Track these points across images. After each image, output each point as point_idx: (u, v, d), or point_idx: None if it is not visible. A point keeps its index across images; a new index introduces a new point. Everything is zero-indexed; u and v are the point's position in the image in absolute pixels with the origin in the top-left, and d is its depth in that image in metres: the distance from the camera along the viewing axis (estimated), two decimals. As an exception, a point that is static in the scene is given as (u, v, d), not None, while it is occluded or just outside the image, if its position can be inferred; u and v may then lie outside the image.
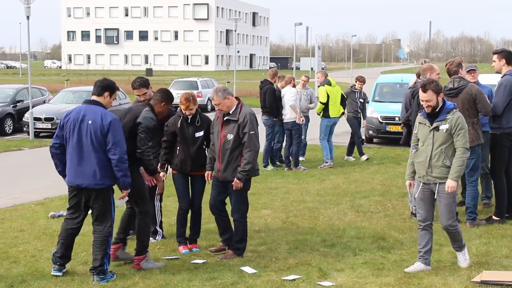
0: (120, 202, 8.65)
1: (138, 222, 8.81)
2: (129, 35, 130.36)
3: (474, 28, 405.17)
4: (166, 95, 9.25)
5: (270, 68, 18.86)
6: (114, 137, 8.11)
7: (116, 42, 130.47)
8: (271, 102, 16.99)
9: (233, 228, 9.36)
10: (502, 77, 10.91)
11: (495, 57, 11.08)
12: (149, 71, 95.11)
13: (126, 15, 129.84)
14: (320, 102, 17.60)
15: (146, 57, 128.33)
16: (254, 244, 9.79)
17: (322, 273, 8.41)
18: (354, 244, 9.77)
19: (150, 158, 8.77)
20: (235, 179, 8.97)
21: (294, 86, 17.18)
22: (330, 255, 9.22)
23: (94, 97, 8.41)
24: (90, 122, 8.13)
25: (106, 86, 8.43)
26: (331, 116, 17.60)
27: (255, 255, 9.27)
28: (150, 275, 8.42)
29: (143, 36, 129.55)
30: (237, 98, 9.22)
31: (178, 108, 9.62)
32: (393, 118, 21.92)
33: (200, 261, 8.96)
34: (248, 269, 8.54)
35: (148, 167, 8.90)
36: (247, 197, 9.29)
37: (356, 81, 19.16)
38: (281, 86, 17.26)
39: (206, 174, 9.39)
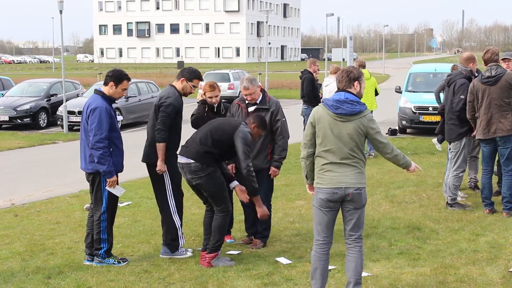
0: (115, 191, 8.65)
1: (218, 220, 8.41)
2: (160, 28, 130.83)
3: (508, 16, 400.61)
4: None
5: (309, 58, 18.82)
6: (91, 123, 8.40)
7: (148, 35, 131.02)
8: (309, 91, 17.03)
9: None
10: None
11: None
12: (181, 64, 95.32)
13: (157, 8, 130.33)
14: None
15: (178, 50, 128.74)
16: (289, 235, 9.78)
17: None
18: (389, 235, 9.72)
19: None
20: (272, 168, 9.04)
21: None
22: (365, 246, 9.16)
23: (101, 87, 8.76)
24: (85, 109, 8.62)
25: (111, 76, 8.67)
26: None
27: (290, 245, 9.26)
28: (186, 266, 8.45)
29: (174, 29, 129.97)
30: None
31: (198, 97, 9.59)
32: (426, 108, 21.78)
33: (235, 252, 8.96)
34: (283, 260, 8.54)
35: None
36: None
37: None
38: (316, 76, 17.36)
39: (230, 167, 9.23)
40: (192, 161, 8.22)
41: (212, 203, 8.51)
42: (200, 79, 9.03)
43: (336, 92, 6.97)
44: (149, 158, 8.87)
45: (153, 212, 11.47)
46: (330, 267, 8.02)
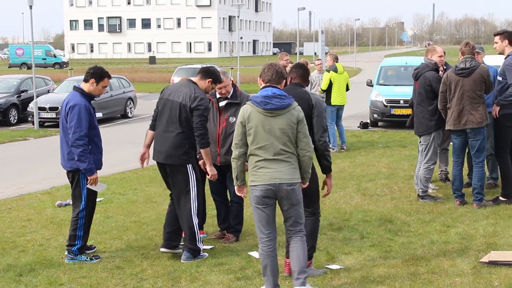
0: (97, 188, 8.63)
1: (311, 225, 7.76)
2: (131, 23, 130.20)
3: (478, 10, 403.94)
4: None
5: (280, 52, 18.79)
6: (71, 121, 8.40)
7: (119, 31, 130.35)
8: None
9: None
10: (506, 58, 10.88)
11: (496, 38, 11.10)
12: (152, 59, 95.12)
13: (129, 3, 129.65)
14: (321, 88, 17.41)
15: (149, 45, 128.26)
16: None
17: (330, 256, 8.41)
18: (361, 227, 9.78)
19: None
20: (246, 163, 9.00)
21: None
22: (337, 239, 9.23)
23: (81, 84, 8.68)
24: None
25: (92, 73, 8.62)
26: (332, 104, 17.28)
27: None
28: (159, 261, 8.44)
29: (146, 24, 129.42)
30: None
31: None
32: (397, 101, 21.89)
33: (208, 247, 8.96)
34: (256, 254, 8.54)
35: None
36: None
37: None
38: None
39: (201, 163, 8.96)
40: None
41: (305, 205, 7.55)
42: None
43: (262, 88, 6.96)
44: (173, 159, 8.44)
45: (125, 208, 11.45)
46: (335, 266, 8.08)
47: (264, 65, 7.24)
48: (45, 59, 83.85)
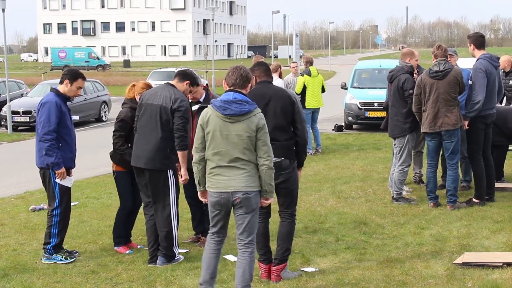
0: (65, 182, 8.63)
1: (288, 227, 7.80)
2: (105, 26, 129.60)
3: (451, 13, 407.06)
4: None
5: (255, 55, 18.79)
6: (40, 117, 8.56)
7: (93, 34, 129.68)
8: None
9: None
10: (476, 61, 10.98)
11: (468, 42, 11.24)
12: (127, 62, 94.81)
13: (103, 6, 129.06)
14: (295, 92, 17.37)
15: (124, 48, 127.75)
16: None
17: (305, 259, 8.43)
18: (336, 230, 9.80)
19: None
20: None
21: (280, 74, 16.98)
22: (312, 241, 9.25)
23: (57, 85, 8.83)
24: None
25: (66, 74, 8.75)
26: (307, 107, 17.24)
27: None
28: (133, 266, 8.42)
29: (120, 27, 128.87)
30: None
31: (125, 99, 9.15)
32: (372, 104, 21.99)
33: (183, 251, 8.95)
34: (231, 257, 8.55)
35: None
36: None
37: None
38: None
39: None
40: (282, 158, 7.58)
41: (285, 206, 7.79)
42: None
43: (226, 91, 6.86)
44: (154, 164, 8.33)
45: (100, 212, 11.41)
46: (311, 269, 8.11)
47: (229, 68, 7.10)
48: (87, 61, 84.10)
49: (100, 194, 13.02)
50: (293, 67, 18.08)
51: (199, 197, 7.17)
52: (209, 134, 6.73)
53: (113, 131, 8.96)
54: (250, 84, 6.97)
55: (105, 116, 29.14)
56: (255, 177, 6.76)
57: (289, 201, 7.76)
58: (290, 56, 68.55)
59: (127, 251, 9.02)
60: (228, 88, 6.89)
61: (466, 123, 10.87)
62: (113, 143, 8.97)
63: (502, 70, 15.80)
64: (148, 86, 8.99)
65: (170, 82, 8.59)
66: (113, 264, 8.52)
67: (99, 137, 23.10)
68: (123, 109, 9.02)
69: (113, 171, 9.17)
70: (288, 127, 7.63)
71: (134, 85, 9.11)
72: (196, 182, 7.03)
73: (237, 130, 6.65)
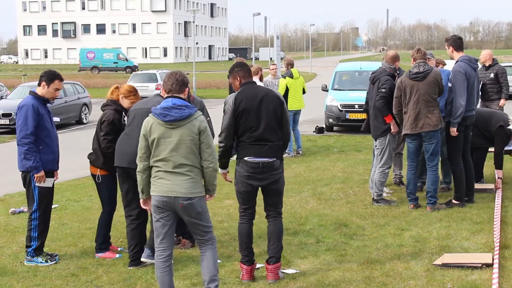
0: (45, 184, 8.60)
1: (279, 225, 7.88)
2: (86, 28, 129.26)
3: (431, 15, 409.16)
4: None
5: (236, 57, 18.79)
6: (17, 121, 8.55)
7: (74, 36, 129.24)
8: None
9: None
10: (455, 64, 11.06)
11: (446, 44, 11.32)
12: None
13: (83, 8, 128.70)
14: None
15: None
16: (218, 235, 9.77)
17: (285, 261, 8.44)
18: (317, 232, 9.83)
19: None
20: None
21: (261, 77, 16.97)
22: (293, 243, 9.27)
23: (36, 88, 8.80)
24: None
25: (43, 76, 8.71)
26: (289, 109, 17.29)
27: (219, 245, 9.21)
28: (114, 268, 8.39)
29: (101, 29, 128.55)
30: None
31: (107, 101, 8.98)
32: (352, 106, 22.05)
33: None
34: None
35: None
36: None
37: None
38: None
39: None
40: (274, 158, 7.65)
41: (274, 206, 7.87)
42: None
43: (165, 98, 6.86)
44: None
45: (80, 214, 11.36)
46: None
47: (166, 74, 7.06)
48: (116, 62, 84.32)
49: (80, 196, 12.97)
50: (273, 69, 18.09)
51: (142, 205, 7.12)
52: (154, 142, 6.72)
53: (103, 135, 8.69)
54: (187, 88, 6.96)
55: (86, 119, 29.02)
56: (199, 183, 6.80)
57: (278, 200, 7.86)
58: (271, 58, 68.51)
59: (117, 255, 8.87)
60: (166, 95, 6.89)
61: (454, 129, 10.90)
62: (103, 147, 8.70)
63: (483, 64, 16.12)
64: (134, 90, 8.94)
65: (160, 94, 8.50)
66: (94, 266, 8.49)
67: (80, 140, 22.99)
68: (107, 110, 8.82)
69: (97, 175, 8.92)
70: (278, 127, 7.69)
71: (117, 87, 9.02)
72: (140, 190, 6.97)
73: (179, 135, 6.66)
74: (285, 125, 7.77)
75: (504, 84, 15.76)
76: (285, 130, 7.78)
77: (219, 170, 7.79)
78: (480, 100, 16.11)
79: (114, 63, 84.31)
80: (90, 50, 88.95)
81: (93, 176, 9.01)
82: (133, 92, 8.89)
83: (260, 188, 7.81)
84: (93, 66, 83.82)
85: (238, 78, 7.78)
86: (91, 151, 8.98)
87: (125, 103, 8.84)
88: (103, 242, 8.98)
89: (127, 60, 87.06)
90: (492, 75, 16.04)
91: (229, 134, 7.68)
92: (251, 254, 7.86)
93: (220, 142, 7.76)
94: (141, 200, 7.07)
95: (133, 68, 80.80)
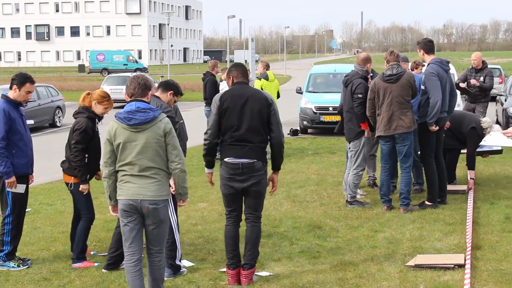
0: (17, 190, 8.54)
1: (257, 230, 7.82)
2: (60, 31, 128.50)
3: (405, 18, 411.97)
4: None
5: (211, 60, 18.80)
6: None
7: (47, 39, 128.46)
8: (211, 93, 17.06)
9: None
10: (427, 66, 11.13)
11: (417, 47, 11.43)
12: (82, 67, 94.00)
13: (57, 10, 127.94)
14: None
15: (78, 53, 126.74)
16: (192, 237, 9.78)
17: (259, 263, 8.42)
18: (291, 234, 9.84)
19: None
20: None
21: (216, 72, 17.12)
22: (267, 246, 9.27)
23: (8, 91, 8.70)
24: None
25: (14, 80, 8.61)
26: None
27: (193, 248, 9.27)
28: (87, 272, 8.35)
29: (75, 31, 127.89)
30: None
31: (80, 108, 8.77)
32: (327, 108, 22.10)
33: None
34: (185, 262, 8.52)
35: None
36: None
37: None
38: (224, 78, 17.41)
39: None
40: (255, 160, 7.65)
41: (254, 209, 7.80)
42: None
43: (128, 102, 6.83)
44: None
45: (53, 218, 11.30)
46: (265, 273, 8.12)
47: (129, 78, 7.04)
48: (126, 64, 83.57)
49: (53, 200, 12.90)
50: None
51: (111, 211, 7.07)
52: (119, 147, 6.69)
53: (74, 143, 8.50)
54: (150, 92, 6.95)
55: (59, 122, 28.84)
56: (165, 186, 6.79)
57: (258, 203, 7.81)
58: (246, 61, 68.46)
59: (95, 264, 8.66)
60: (129, 99, 6.87)
61: (433, 127, 10.97)
62: (72, 155, 8.51)
63: (471, 66, 16.46)
64: (107, 95, 8.80)
65: (155, 93, 8.40)
66: (66, 271, 8.44)
67: (53, 143, 22.85)
68: (79, 118, 8.62)
69: (70, 184, 8.71)
70: (263, 129, 7.66)
71: (89, 93, 8.82)
72: (107, 196, 6.94)
73: (145, 138, 6.65)
74: (274, 126, 7.70)
75: (489, 83, 16.22)
76: (275, 132, 7.71)
77: (205, 169, 7.90)
78: (465, 101, 16.52)
79: (124, 65, 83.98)
80: (100, 52, 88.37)
81: (66, 184, 8.81)
82: (106, 97, 8.74)
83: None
84: (103, 68, 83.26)
85: (232, 78, 7.83)
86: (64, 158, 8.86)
87: (98, 109, 8.68)
88: (81, 252, 8.74)
89: (136, 62, 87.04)
90: (482, 78, 16.34)
91: (214, 132, 7.68)
92: (236, 258, 7.80)
93: (204, 140, 7.77)
94: (109, 207, 7.02)
95: (143, 70, 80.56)
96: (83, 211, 8.79)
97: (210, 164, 7.91)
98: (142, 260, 6.93)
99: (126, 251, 6.84)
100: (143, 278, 6.92)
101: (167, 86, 8.49)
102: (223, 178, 7.73)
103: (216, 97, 7.85)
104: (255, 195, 7.75)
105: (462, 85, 16.38)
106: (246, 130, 7.55)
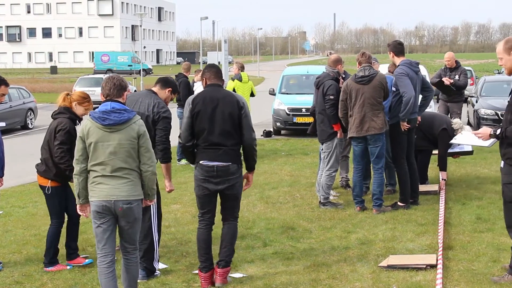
0: None
1: (233, 228, 7.86)
2: (31, 32, 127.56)
3: (377, 20, 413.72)
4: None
5: (183, 61, 18.78)
6: None
7: (19, 40, 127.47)
8: (184, 95, 17.01)
9: None
10: (397, 68, 11.19)
11: (388, 50, 11.51)
12: (54, 69, 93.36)
13: (28, 12, 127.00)
14: None
15: (50, 55, 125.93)
16: (165, 239, 9.74)
17: (233, 265, 8.41)
18: (264, 235, 9.85)
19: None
20: None
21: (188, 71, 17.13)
22: (240, 247, 9.26)
23: None
24: None
25: None
26: None
27: (166, 250, 9.24)
28: (59, 275, 8.29)
29: (47, 33, 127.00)
30: None
31: (60, 108, 8.64)
32: (300, 110, 22.14)
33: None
34: (160, 265, 8.49)
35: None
36: None
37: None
38: (197, 80, 17.37)
39: None
40: (230, 163, 7.65)
41: (230, 210, 7.85)
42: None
43: (103, 102, 6.84)
44: None
45: (25, 221, 11.21)
46: (238, 275, 8.12)
47: (104, 79, 7.08)
48: (131, 65, 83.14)
49: (25, 203, 12.80)
50: None
51: (78, 211, 7.02)
52: (91, 146, 6.70)
53: (59, 144, 8.32)
54: (126, 92, 6.97)
55: (31, 124, 28.63)
56: (137, 186, 6.80)
57: (234, 205, 7.86)
58: (219, 62, 68.46)
59: (68, 267, 8.58)
60: (104, 99, 6.88)
61: (405, 124, 11.03)
62: (58, 157, 8.32)
63: (445, 66, 16.62)
64: (87, 96, 8.71)
65: (152, 89, 8.44)
66: (38, 274, 8.38)
67: (25, 145, 22.71)
68: (61, 119, 8.47)
69: (47, 187, 8.53)
70: (235, 132, 7.66)
71: (68, 94, 8.70)
72: (76, 194, 6.92)
73: (118, 139, 6.67)
74: (245, 130, 7.69)
75: (463, 81, 16.43)
76: (246, 136, 7.71)
77: (192, 165, 7.94)
78: (440, 100, 16.68)
79: (129, 66, 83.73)
80: (104, 53, 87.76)
81: (42, 187, 8.64)
82: (86, 98, 8.64)
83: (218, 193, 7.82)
84: (107, 69, 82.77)
85: (205, 80, 7.83)
86: (37, 156, 8.75)
87: (79, 110, 8.57)
88: (53, 256, 8.63)
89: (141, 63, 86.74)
90: (457, 76, 16.50)
91: (187, 135, 7.70)
92: (208, 261, 7.79)
93: (179, 142, 7.80)
94: (77, 206, 6.97)
95: (148, 71, 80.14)
96: (54, 216, 8.65)
97: (193, 162, 7.96)
98: (115, 262, 6.92)
99: (99, 253, 6.82)
100: (117, 280, 6.91)
101: (166, 83, 8.53)
102: (197, 180, 7.74)
103: (189, 100, 7.85)
104: (231, 197, 7.79)
105: (447, 81, 16.45)
106: (219, 133, 7.57)
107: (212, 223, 7.87)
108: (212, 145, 7.61)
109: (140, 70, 75.57)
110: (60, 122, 8.43)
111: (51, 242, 8.61)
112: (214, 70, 7.89)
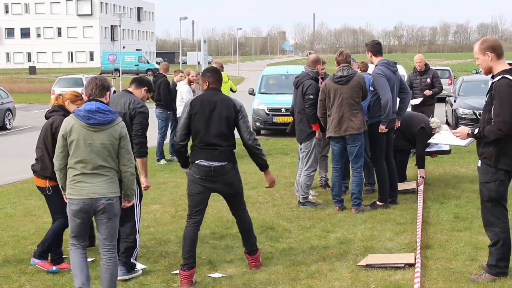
0: None
1: (246, 217, 8.29)
2: (10, 32, 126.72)
3: (356, 20, 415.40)
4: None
5: (163, 62, 18.70)
6: None
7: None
8: (165, 95, 16.98)
9: None
10: (374, 67, 11.24)
11: (366, 50, 11.55)
12: (33, 69, 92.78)
13: (6, 12, 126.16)
14: None
15: (29, 55, 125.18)
16: (144, 240, 9.72)
17: (212, 265, 8.45)
18: (244, 235, 9.84)
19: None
20: None
21: (191, 81, 17.02)
22: (219, 247, 9.27)
23: None
24: None
25: None
26: None
27: (145, 250, 9.22)
28: (37, 276, 8.25)
29: (25, 33, 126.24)
30: None
31: (54, 106, 8.62)
32: (279, 110, 22.16)
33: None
34: (138, 265, 8.48)
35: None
36: None
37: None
38: (177, 80, 17.32)
39: None
40: (226, 162, 7.85)
41: (236, 203, 8.20)
42: None
43: (87, 101, 6.97)
44: None
45: (3, 222, 11.14)
46: (217, 275, 8.11)
47: (87, 80, 7.22)
48: (137, 65, 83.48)
49: (3, 203, 12.72)
50: (193, 76, 18.10)
51: (65, 199, 7.14)
52: (73, 143, 6.83)
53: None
54: (108, 92, 7.12)
55: (10, 124, 28.46)
56: (116, 183, 6.97)
57: (238, 200, 8.18)
58: (199, 62, 68.43)
59: (53, 268, 8.45)
60: (87, 99, 7.02)
61: (383, 127, 11.08)
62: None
63: (414, 69, 16.69)
64: (80, 94, 8.69)
65: (128, 89, 8.55)
66: (16, 275, 8.34)
67: (3, 146, 22.54)
68: (56, 116, 8.40)
69: (47, 188, 8.41)
70: (230, 134, 7.92)
71: (60, 95, 8.66)
72: (61, 187, 7.09)
73: (100, 138, 6.83)
74: (243, 132, 8.00)
75: (439, 86, 16.49)
76: (245, 137, 8.02)
77: (183, 169, 8.14)
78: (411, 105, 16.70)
79: (136, 65, 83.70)
80: (111, 53, 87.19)
81: (41, 189, 8.54)
82: (79, 97, 8.67)
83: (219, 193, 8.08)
84: (114, 69, 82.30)
85: (207, 83, 7.99)
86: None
87: (72, 108, 8.47)
88: (45, 251, 8.51)
89: (148, 62, 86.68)
90: (428, 80, 16.56)
91: (181, 134, 7.90)
92: (191, 259, 7.81)
93: (174, 142, 7.89)
94: (64, 196, 7.10)
95: (154, 71, 79.68)
96: (59, 215, 8.50)
97: (184, 165, 8.10)
98: (87, 253, 7.12)
99: (74, 243, 7.03)
100: (88, 264, 7.11)
101: (141, 82, 8.64)
102: (193, 179, 7.86)
103: (188, 102, 8.02)
104: (232, 195, 8.10)
105: (428, 93, 16.53)
106: (215, 135, 7.79)
107: (200, 222, 7.96)
108: (208, 145, 7.81)
109: (147, 70, 75.67)
110: (56, 119, 8.42)
111: (48, 237, 8.52)
112: (217, 76, 8.11)
